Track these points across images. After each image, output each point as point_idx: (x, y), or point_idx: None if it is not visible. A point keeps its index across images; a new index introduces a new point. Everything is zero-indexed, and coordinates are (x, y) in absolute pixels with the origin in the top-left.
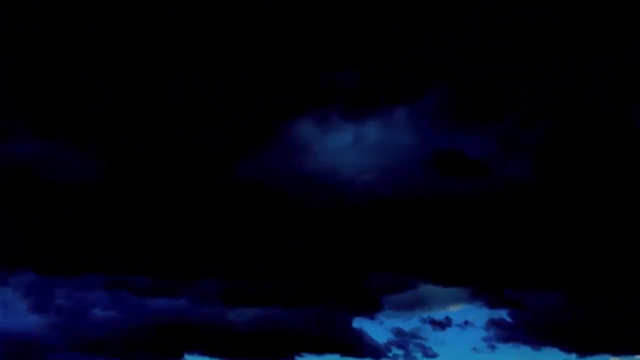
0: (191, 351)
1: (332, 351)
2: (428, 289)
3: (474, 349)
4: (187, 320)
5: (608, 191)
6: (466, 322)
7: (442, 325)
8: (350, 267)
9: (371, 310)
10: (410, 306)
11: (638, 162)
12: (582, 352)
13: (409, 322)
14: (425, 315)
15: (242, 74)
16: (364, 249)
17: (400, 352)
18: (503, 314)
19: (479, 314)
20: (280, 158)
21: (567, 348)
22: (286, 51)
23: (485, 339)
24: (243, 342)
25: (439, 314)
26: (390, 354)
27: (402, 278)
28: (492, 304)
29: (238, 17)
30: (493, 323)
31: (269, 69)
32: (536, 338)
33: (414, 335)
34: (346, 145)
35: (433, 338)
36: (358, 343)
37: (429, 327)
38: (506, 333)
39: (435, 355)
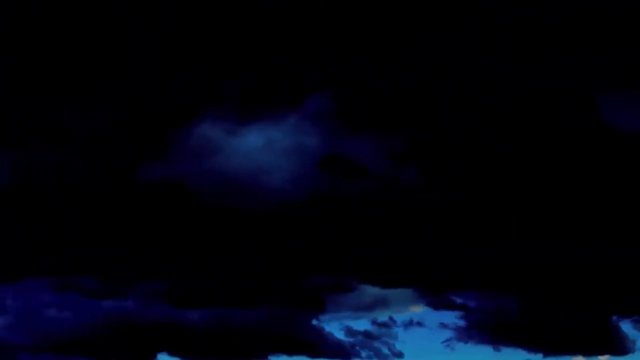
0: (162, 351)
1: (297, 351)
2: (377, 292)
3: (434, 350)
4: (150, 320)
5: (547, 190)
6: (415, 322)
7: (388, 326)
8: (292, 269)
9: (315, 311)
10: (357, 308)
11: (566, 161)
12: (546, 352)
13: (359, 323)
14: (377, 316)
15: (147, 75)
16: (304, 250)
17: (364, 352)
18: (457, 315)
19: (433, 316)
20: (190, 160)
21: (530, 348)
22: (188, 53)
23: (443, 341)
24: (210, 342)
25: (398, 316)
26: (364, 354)
27: (343, 279)
28: (444, 306)
29: (144, 22)
30: (450, 324)
31: (171, 72)
32: (495, 339)
33: (369, 336)
34: (253, 148)
35: (392, 339)
36: (322, 343)
37: (384, 328)
38: (463, 334)
39: (401, 355)
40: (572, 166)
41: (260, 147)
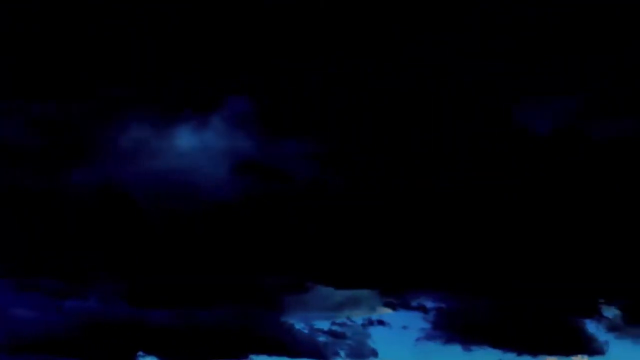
0: (138, 351)
1: (275, 350)
2: (334, 293)
3: (406, 349)
4: (119, 320)
5: (512, 189)
6: (375, 323)
7: (349, 326)
8: (245, 269)
9: (274, 312)
10: (314, 309)
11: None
12: (518, 352)
13: (319, 324)
14: (336, 317)
15: (74, 79)
16: (253, 251)
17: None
18: (418, 316)
19: (393, 317)
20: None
21: (502, 348)
22: (119, 54)
23: (415, 339)
24: (184, 342)
25: (358, 317)
26: (342, 354)
27: (298, 280)
28: (404, 307)
29: (71, 24)
30: (413, 325)
31: (96, 75)
32: (464, 338)
33: (337, 335)
34: (181, 149)
35: (364, 338)
36: (298, 342)
37: (349, 328)
38: (431, 334)
39: (375, 353)
40: (548, 165)
41: (187, 148)
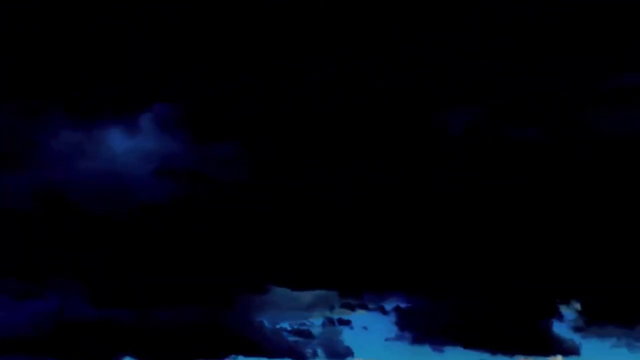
0: (119, 351)
1: (252, 351)
2: (290, 294)
3: (377, 349)
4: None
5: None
6: (336, 324)
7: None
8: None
9: (232, 312)
10: (273, 309)
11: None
12: (492, 352)
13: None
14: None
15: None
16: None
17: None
18: (380, 316)
19: (353, 318)
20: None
21: (473, 349)
22: (48, 58)
23: (377, 341)
24: (161, 343)
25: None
26: (319, 352)
27: (253, 281)
28: (362, 307)
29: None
30: (375, 326)
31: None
32: (433, 338)
33: (307, 334)
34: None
35: (337, 336)
36: (273, 342)
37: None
38: (397, 335)
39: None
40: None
41: (122, 150)
